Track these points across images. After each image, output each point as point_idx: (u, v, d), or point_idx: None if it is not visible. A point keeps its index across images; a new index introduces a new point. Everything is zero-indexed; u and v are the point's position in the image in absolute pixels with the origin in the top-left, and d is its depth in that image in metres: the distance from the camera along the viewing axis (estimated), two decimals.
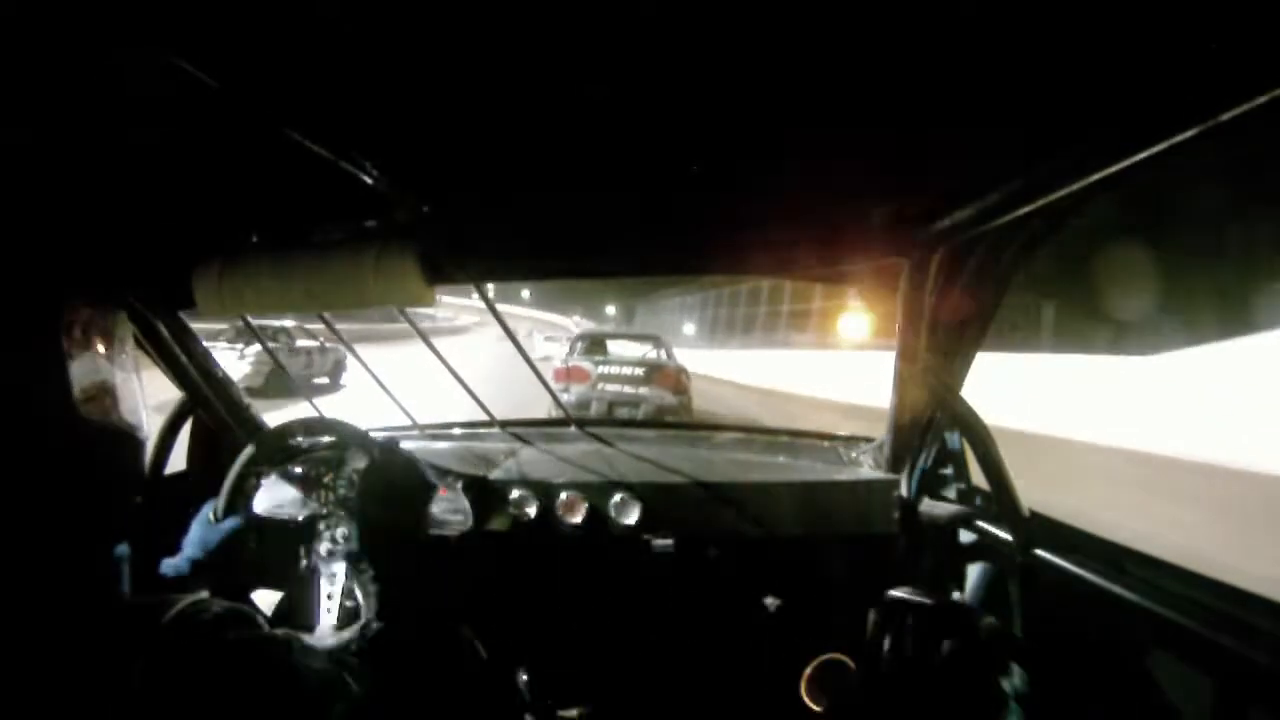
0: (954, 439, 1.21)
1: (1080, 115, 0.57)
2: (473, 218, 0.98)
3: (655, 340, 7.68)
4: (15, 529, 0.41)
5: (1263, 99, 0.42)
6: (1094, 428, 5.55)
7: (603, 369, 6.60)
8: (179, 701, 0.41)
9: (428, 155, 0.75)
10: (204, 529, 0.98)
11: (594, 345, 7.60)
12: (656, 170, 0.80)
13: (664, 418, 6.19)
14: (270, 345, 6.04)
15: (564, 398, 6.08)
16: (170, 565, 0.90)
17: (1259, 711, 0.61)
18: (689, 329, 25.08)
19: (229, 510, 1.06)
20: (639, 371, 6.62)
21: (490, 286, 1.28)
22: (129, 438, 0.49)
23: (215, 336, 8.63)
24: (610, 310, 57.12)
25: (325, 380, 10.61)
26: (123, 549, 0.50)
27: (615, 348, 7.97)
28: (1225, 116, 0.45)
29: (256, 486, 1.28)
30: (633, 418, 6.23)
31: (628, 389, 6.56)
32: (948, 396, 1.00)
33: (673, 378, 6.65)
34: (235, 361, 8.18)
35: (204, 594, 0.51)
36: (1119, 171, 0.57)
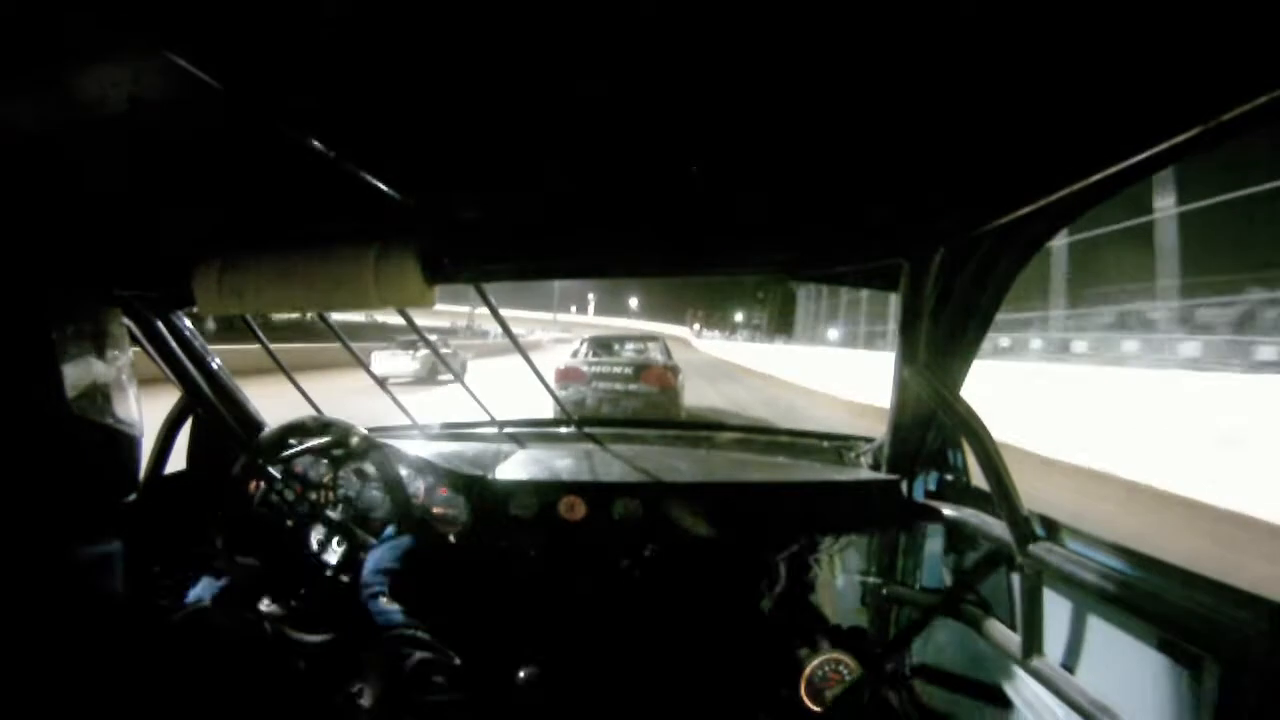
0: (954, 439, 1.21)
1: (1080, 115, 0.57)
2: (473, 218, 0.98)
3: (655, 340, 8.50)
4: (4, 526, 0.41)
5: (1263, 99, 0.42)
6: None
7: (596, 368, 7.29)
8: (182, 705, 0.41)
9: (428, 155, 0.75)
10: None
11: (598, 346, 8.35)
12: (656, 170, 0.80)
13: (652, 410, 7.07)
14: (428, 352, 9.11)
15: (563, 394, 6.99)
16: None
17: (1259, 711, 0.61)
18: (831, 333, 17.97)
19: (229, 509, 1.06)
20: (629, 370, 7.30)
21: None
22: (123, 436, 0.49)
23: (398, 343, 13.05)
24: (739, 317, 54.92)
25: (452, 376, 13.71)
26: (115, 547, 0.49)
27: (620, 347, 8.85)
28: (1225, 116, 0.45)
29: (257, 486, 1.28)
30: (628, 412, 7.02)
31: (618, 385, 7.24)
32: (948, 396, 1.00)
33: (659, 374, 7.30)
34: (409, 360, 12.45)
35: (206, 602, 0.51)
36: (1119, 171, 0.57)
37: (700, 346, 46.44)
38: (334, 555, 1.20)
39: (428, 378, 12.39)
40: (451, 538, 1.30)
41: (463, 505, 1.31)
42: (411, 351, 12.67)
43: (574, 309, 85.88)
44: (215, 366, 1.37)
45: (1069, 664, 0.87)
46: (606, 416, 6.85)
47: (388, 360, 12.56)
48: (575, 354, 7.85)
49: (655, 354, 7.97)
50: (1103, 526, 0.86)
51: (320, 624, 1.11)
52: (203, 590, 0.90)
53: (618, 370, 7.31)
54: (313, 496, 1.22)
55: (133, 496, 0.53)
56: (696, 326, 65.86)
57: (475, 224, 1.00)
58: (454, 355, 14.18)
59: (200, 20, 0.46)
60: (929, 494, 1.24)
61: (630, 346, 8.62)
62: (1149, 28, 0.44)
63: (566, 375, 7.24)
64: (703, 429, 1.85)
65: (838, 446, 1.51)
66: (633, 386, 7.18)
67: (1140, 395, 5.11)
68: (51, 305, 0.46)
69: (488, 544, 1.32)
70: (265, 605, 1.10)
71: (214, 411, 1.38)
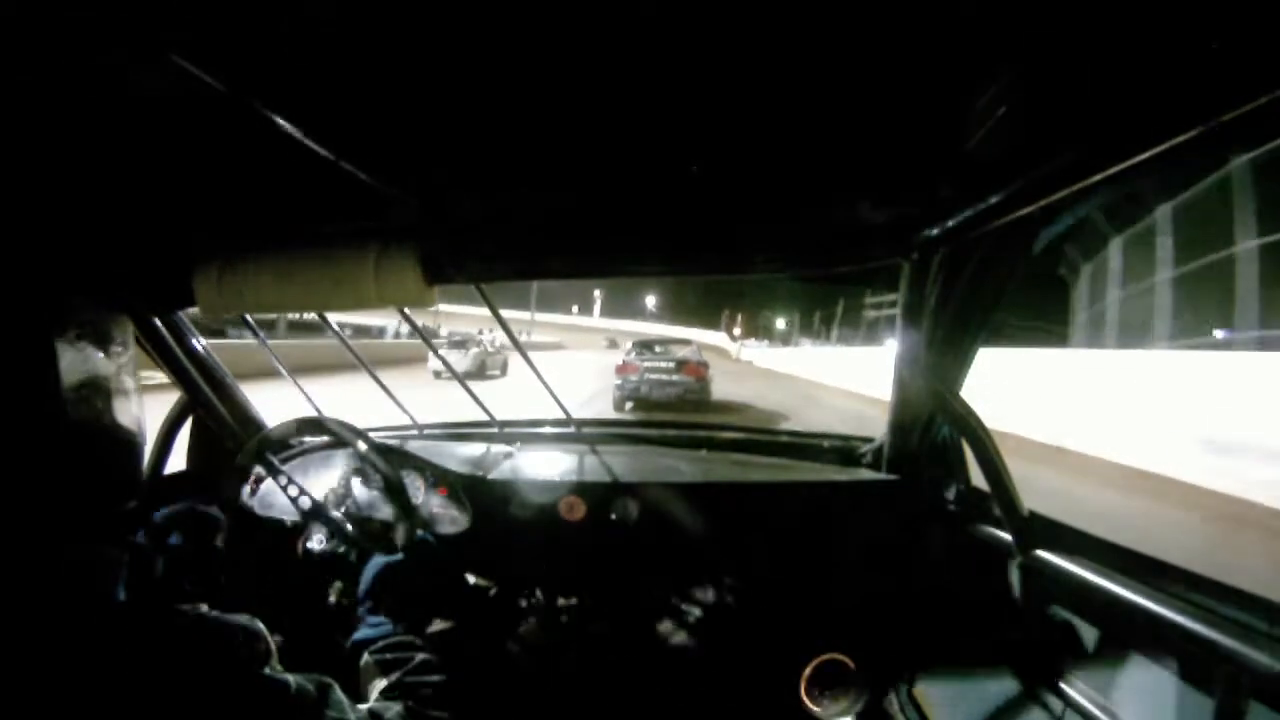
0: (954, 439, 1.20)
1: (1080, 115, 0.57)
2: (473, 218, 0.98)
3: (690, 344, 11.00)
4: (2, 530, 0.40)
5: (1263, 99, 0.42)
6: None
7: (647, 364, 9.75)
8: (175, 712, 0.40)
9: (428, 155, 0.75)
10: None
11: (643, 347, 10.76)
12: (656, 170, 0.80)
13: (687, 396, 9.49)
14: (477, 350, 15.52)
15: (624, 384, 9.54)
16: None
17: (1258, 712, 0.61)
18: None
19: (228, 510, 1.06)
20: (672, 364, 9.73)
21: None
22: (125, 442, 0.48)
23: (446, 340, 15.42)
24: (780, 324, 44.59)
25: (497, 373, 15.53)
26: (116, 553, 0.49)
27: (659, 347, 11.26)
28: (1225, 117, 0.45)
29: (256, 486, 1.28)
30: (670, 397, 9.39)
31: (664, 376, 9.59)
32: (947, 396, 1.00)
33: (695, 369, 9.76)
34: (460, 358, 13.78)
35: (203, 606, 0.50)
36: (1119, 172, 0.57)
37: (756, 360, 30.16)
38: (333, 556, 1.20)
39: (476, 373, 13.99)
40: (451, 538, 1.30)
41: (462, 505, 1.31)
42: (462, 350, 14.58)
43: (576, 309, 75.33)
44: (215, 366, 1.37)
45: (1069, 664, 0.87)
46: (652, 401, 9.35)
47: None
48: (629, 354, 10.25)
49: (691, 354, 10.39)
50: None
51: (320, 626, 1.11)
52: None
53: (663, 365, 9.74)
54: (312, 498, 1.22)
55: (133, 503, 0.53)
56: (736, 331, 49.93)
57: (475, 224, 1.00)
58: (497, 354, 16.25)
59: (200, 20, 0.46)
60: (928, 494, 1.24)
61: (672, 348, 10.96)
62: (1149, 28, 0.44)
63: (625, 369, 9.69)
64: (702, 429, 1.85)
65: (837, 447, 1.50)
66: (675, 377, 9.59)
67: None
68: (50, 306, 0.45)
69: (487, 544, 1.32)
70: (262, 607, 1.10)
71: (214, 411, 1.38)
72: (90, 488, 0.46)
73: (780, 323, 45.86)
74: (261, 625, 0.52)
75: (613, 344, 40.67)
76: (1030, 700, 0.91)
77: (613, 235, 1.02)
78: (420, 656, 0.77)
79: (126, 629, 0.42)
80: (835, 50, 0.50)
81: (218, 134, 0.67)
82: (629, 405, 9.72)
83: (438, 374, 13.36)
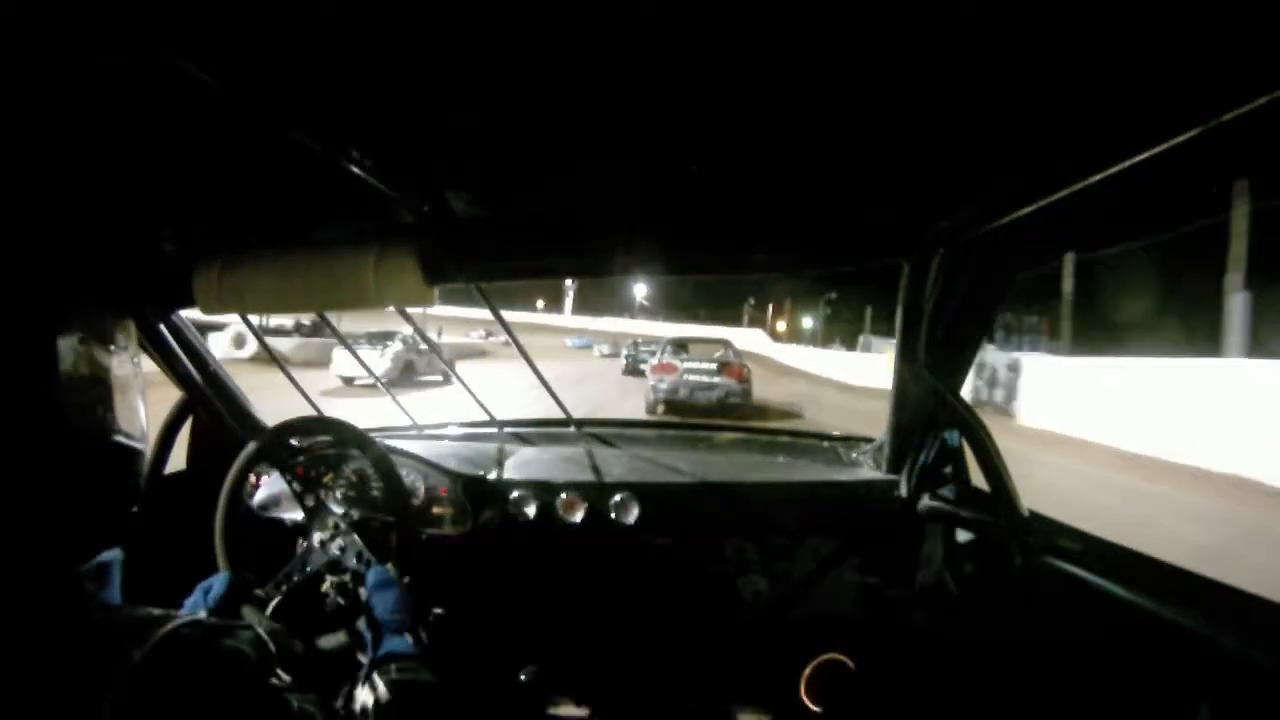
0: (954, 439, 1.20)
1: (1080, 116, 0.57)
2: (473, 218, 0.98)
3: (729, 344, 10.27)
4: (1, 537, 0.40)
5: (1263, 99, 0.42)
6: None
7: (687, 364, 9.12)
8: None
9: (428, 155, 0.75)
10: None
11: (678, 347, 10.15)
12: (656, 170, 0.80)
13: (729, 400, 8.82)
14: (402, 348, 11.37)
15: (660, 385, 8.86)
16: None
17: (1259, 712, 0.61)
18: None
19: (228, 510, 1.06)
20: (713, 366, 9.06)
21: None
22: (126, 448, 0.48)
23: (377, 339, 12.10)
24: (808, 323, 37.33)
25: (439, 377, 12.38)
26: (114, 556, 0.48)
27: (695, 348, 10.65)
28: (1225, 117, 0.45)
29: (256, 486, 1.28)
30: (711, 400, 8.74)
31: (704, 379, 8.89)
32: (948, 396, 1.00)
33: (737, 370, 9.09)
34: (377, 358, 10.89)
35: (200, 614, 0.49)
36: (1119, 172, 0.57)
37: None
38: (334, 557, 1.20)
39: (400, 379, 10.85)
40: (451, 538, 1.30)
41: (462, 505, 1.31)
42: (381, 348, 11.22)
43: (541, 304, 63.52)
44: (215, 366, 1.37)
45: (1069, 664, 0.87)
46: (691, 404, 8.69)
47: (351, 358, 10.76)
48: (665, 353, 9.65)
49: (731, 355, 9.69)
50: None
51: (319, 627, 1.11)
52: (197, 600, 0.87)
53: (704, 366, 9.04)
54: (312, 497, 1.22)
55: (134, 509, 0.52)
56: (781, 327, 40.20)
57: (475, 224, 1.00)
58: (432, 353, 13.82)
59: (200, 20, 0.46)
60: (929, 494, 1.24)
61: (710, 350, 10.32)
62: (1149, 27, 0.44)
63: (662, 370, 9.05)
64: (702, 429, 1.85)
65: (837, 446, 1.50)
66: (716, 379, 8.92)
67: None
68: (53, 308, 0.45)
69: (487, 544, 1.32)
70: (262, 610, 1.10)
71: (214, 411, 1.38)
72: (92, 494, 0.46)
73: (807, 320, 36.98)
74: (263, 632, 0.51)
75: (489, 334, 33.39)
76: (1030, 699, 0.91)
77: (612, 234, 1.02)
78: (424, 675, 0.76)
79: (127, 636, 0.41)
80: (834, 51, 0.50)
81: (218, 134, 0.67)
82: (661, 409, 8.72)
83: (348, 380, 10.45)
